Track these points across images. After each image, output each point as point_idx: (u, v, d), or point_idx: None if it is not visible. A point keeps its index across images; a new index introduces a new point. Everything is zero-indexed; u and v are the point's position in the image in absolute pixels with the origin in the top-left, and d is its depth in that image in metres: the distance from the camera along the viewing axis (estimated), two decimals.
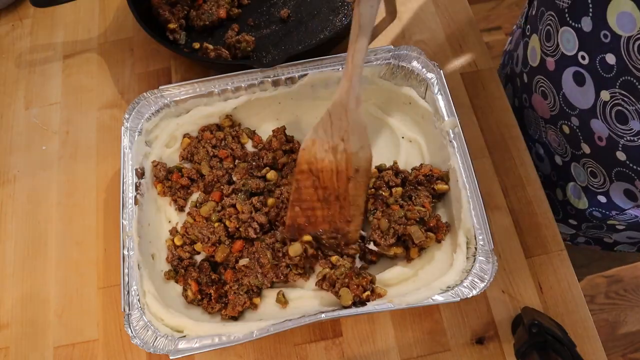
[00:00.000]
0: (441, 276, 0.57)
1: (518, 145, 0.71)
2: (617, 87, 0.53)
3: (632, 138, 0.55)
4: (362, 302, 0.56)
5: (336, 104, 0.59)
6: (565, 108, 0.63)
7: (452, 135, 0.62)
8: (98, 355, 0.63)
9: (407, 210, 0.60)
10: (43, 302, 0.66)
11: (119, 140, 0.64)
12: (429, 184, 0.63)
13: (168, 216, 0.66)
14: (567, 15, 0.56)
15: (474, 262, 0.55)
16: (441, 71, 0.65)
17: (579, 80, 0.58)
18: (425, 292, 0.55)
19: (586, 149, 0.63)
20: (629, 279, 1.58)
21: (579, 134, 0.63)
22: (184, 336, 0.54)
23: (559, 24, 0.58)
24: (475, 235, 0.56)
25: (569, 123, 0.63)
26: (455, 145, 0.61)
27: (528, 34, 0.69)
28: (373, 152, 0.62)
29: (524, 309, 0.58)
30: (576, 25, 0.55)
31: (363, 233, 0.62)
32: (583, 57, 0.55)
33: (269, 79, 0.68)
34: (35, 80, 0.82)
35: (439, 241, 0.60)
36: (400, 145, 0.68)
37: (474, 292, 0.53)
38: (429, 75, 0.66)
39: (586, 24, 0.53)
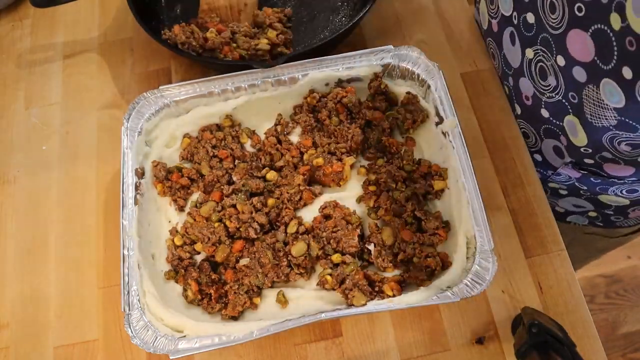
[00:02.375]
0: (441, 276, 0.57)
1: (518, 145, 0.71)
2: (538, 44, 0.57)
3: (550, 95, 0.59)
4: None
5: None
6: (505, 68, 0.68)
7: (452, 135, 0.62)
8: (98, 355, 0.63)
9: (419, 241, 0.60)
10: (43, 302, 0.66)
11: (119, 140, 0.64)
12: (425, 181, 0.63)
13: (168, 216, 0.66)
14: None
15: (474, 262, 0.55)
16: (441, 71, 0.65)
17: (512, 39, 0.63)
18: (425, 292, 0.55)
19: (518, 109, 0.69)
20: (629, 279, 1.58)
21: (513, 94, 0.69)
22: (184, 336, 0.54)
23: None
24: (475, 235, 0.56)
25: (507, 83, 0.69)
26: (455, 145, 0.61)
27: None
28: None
29: (524, 309, 0.58)
30: None
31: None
32: (514, 17, 0.60)
33: (269, 79, 0.68)
34: (35, 80, 0.82)
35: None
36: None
37: (474, 292, 0.53)
38: (429, 75, 0.66)
39: None
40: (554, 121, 0.62)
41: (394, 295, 0.56)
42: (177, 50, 0.76)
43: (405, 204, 0.62)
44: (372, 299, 0.56)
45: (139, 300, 0.56)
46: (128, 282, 0.57)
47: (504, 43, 0.65)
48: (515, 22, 0.60)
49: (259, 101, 0.69)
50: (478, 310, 0.62)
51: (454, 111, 0.62)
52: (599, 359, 0.59)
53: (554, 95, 0.58)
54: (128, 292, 0.56)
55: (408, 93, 0.67)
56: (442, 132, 0.63)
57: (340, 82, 0.69)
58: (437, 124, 0.64)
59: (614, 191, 0.68)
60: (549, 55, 0.55)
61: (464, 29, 0.80)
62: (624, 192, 0.67)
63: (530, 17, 0.56)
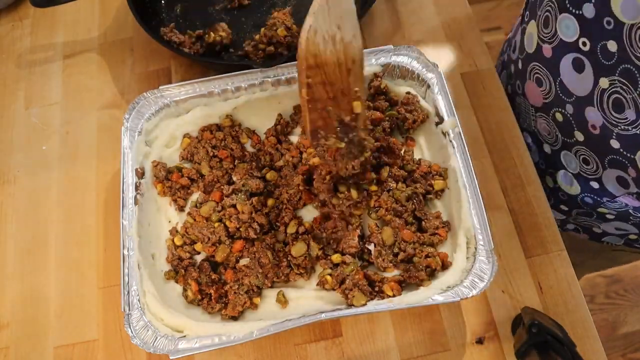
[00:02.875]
0: (441, 276, 0.57)
1: (518, 145, 0.71)
2: (616, 74, 0.52)
3: (626, 127, 0.55)
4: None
5: None
6: (561, 95, 0.63)
7: (452, 135, 0.62)
8: (98, 355, 0.63)
9: (419, 240, 0.60)
10: (43, 302, 0.66)
11: (119, 140, 0.64)
12: (425, 180, 0.63)
13: (168, 216, 0.66)
14: (567, 1, 0.56)
15: (474, 262, 0.55)
16: (441, 71, 0.65)
17: (578, 66, 0.58)
18: (425, 292, 0.55)
19: (579, 136, 0.63)
20: (629, 278, 1.58)
21: (573, 122, 0.63)
22: (184, 336, 0.54)
23: (558, 10, 0.58)
24: (475, 235, 0.56)
25: (563, 111, 0.64)
26: (455, 145, 0.61)
27: (526, 20, 0.69)
28: None
29: (524, 309, 0.58)
30: (577, 12, 0.55)
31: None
32: (584, 44, 0.55)
33: (269, 79, 0.68)
34: (35, 80, 0.82)
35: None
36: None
37: (474, 292, 0.53)
38: (429, 75, 0.66)
39: (588, 10, 0.53)
40: (626, 153, 0.58)
41: (394, 295, 0.56)
42: (177, 50, 0.76)
43: (405, 203, 0.62)
44: (372, 299, 0.56)
45: (139, 300, 0.56)
46: (128, 282, 0.57)
47: (563, 70, 0.60)
48: (586, 49, 0.55)
49: (259, 101, 0.69)
50: (478, 310, 0.62)
51: (454, 111, 0.62)
52: (599, 359, 0.59)
53: (630, 129, 0.55)
54: (128, 292, 0.56)
55: (408, 93, 0.67)
56: (442, 132, 0.63)
57: None
58: (437, 124, 0.64)
59: None
60: (630, 88, 0.52)
61: (464, 29, 0.80)
62: None
63: (612, 46, 0.51)
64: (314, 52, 0.53)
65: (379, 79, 0.68)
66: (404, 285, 0.58)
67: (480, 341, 0.60)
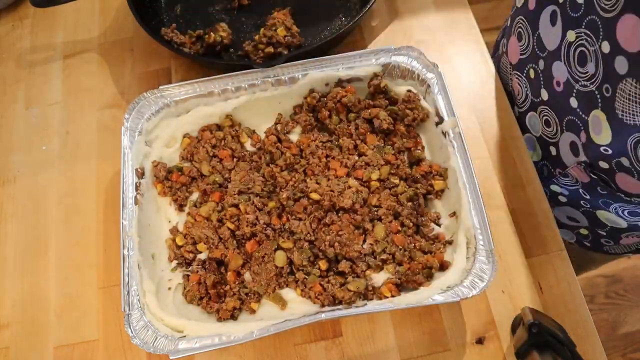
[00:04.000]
0: (441, 276, 0.57)
1: (518, 145, 0.71)
2: (582, 26, 0.53)
3: (585, 83, 0.56)
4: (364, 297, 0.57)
5: None
6: (536, 49, 0.64)
7: (452, 135, 0.62)
8: (98, 355, 0.63)
9: (412, 252, 0.60)
10: (43, 302, 0.66)
11: (119, 140, 0.64)
12: (425, 180, 0.63)
13: (168, 216, 0.66)
14: None
15: (474, 262, 0.55)
16: (441, 71, 0.65)
17: (552, 19, 0.59)
18: (425, 292, 0.55)
19: (544, 95, 0.65)
20: (629, 278, 1.58)
21: (541, 78, 0.65)
22: (184, 336, 0.54)
23: None
24: (475, 235, 0.56)
25: (535, 67, 0.65)
26: (455, 145, 0.61)
27: None
28: None
29: (524, 309, 0.58)
30: None
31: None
32: None
33: (270, 79, 0.68)
34: (35, 80, 0.82)
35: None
36: None
37: (474, 292, 0.53)
38: (429, 75, 0.66)
39: None
40: (580, 113, 0.59)
41: (392, 296, 0.56)
42: (177, 50, 0.76)
43: (406, 204, 0.62)
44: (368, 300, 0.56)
45: (139, 300, 0.56)
46: (128, 282, 0.57)
47: (542, 22, 0.62)
48: (561, 0, 0.56)
49: (259, 101, 0.69)
50: (478, 310, 0.62)
51: (454, 111, 0.62)
52: (599, 359, 0.59)
53: (588, 84, 0.55)
54: (128, 292, 0.56)
55: (409, 91, 0.67)
56: (442, 132, 0.63)
57: (340, 82, 0.69)
58: (437, 123, 0.64)
59: (615, 209, 0.66)
60: (594, 40, 0.52)
61: (464, 29, 0.80)
62: (625, 212, 0.66)
63: None
64: None
65: (379, 78, 0.68)
66: (401, 288, 0.58)
67: (480, 341, 0.60)
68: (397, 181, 0.64)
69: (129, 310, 0.55)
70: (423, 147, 0.67)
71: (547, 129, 0.68)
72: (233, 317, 0.59)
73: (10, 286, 0.68)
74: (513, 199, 0.68)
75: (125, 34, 0.85)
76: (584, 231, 0.78)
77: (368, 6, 0.73)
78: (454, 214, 0.61)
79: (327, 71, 0.68)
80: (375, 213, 0.62)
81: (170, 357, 0.52)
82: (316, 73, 0.67)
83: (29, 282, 0.68)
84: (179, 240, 0.63)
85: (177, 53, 0.76)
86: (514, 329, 0.60)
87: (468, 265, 0.56)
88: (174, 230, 0.64)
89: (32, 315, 0.66)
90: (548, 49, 0.61)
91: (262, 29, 0.76)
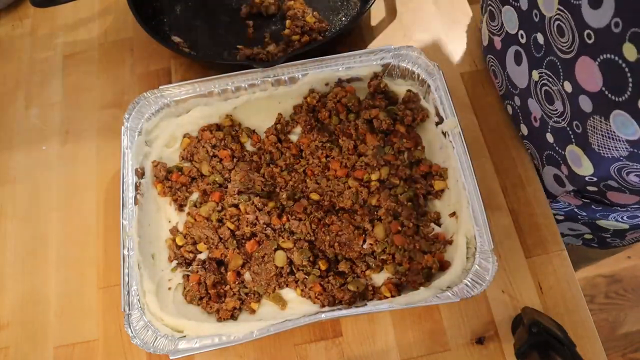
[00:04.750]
0: (441, 276, 0.57)
1: (518, 145, 0.71)
2: (543, 67, 0.53)
3: (557, 119, 0.56)
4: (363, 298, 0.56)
5: None
6: (509, 87, 0.65)
7: (452, 135, 0.62)
8: (98, 355, 0.63)
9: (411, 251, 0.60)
10: (43, 302, 0.66)
11: (119, 140, 0.64)
12: (425, 180, 0.63)
13: (168, 216, 0.66)
14: None
15: (474, 262, 0.55)
16: (441, 71, 0.65)
17: (517, 59, 0.59)
18: (425, 292, 0.55)
19: (524, 129, 0.65)
20: (629, 278, 1.58)
21: (520, 114, 0.65)
22: (184, 336, 0.54)
23: (500, 3, 0.59)
24: (475, 235, 0.56)
25: (512, 103, 0.66)
26: (455, 145, 0.61)
27: (482, 15, 0.70)
28: None
29: (524, 309, 0.58)
30: (515, 3, 0.56)
31: None
32: (522, 36, 0.57)
33: (269, 79, 0.68)
34: (35, 80, 0.82)
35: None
36: None
37: (474, 292, 0.53)
38: (429, 75, 0.66)
39: (523, 2, 0.54)
40: (557, 148, 0.59)
41: (392, 296, 0.56)
42: (177, 50, 0.76)
43: (406, 204, 0.62)
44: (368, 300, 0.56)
45: (139, 300, 0.56)
46: (128, 282, 0.57)
47: (508, 62, 0.62)
48: (523, 41, 0.56)
49: (258, 101, 0.69)
50: (478, 310, 0.62)
51: (454, 111, 0.62)
52: (599, 359, 0.59)
53: (560, 121, 0.55)
54: (128, 292, 0.56)
55: (409, 91, 0.67)
56: (442, 132, 0.63)
57: (340, 82, 0.69)
58: (437, 124, 0.64)
59: (614, 217, 0.66)
60: (555, 80, 0.52)
61: (464, 29, 0.80)
62: (624, 217, 0.66)
63: (540, 38, 0.52)
64: None
65: (379, 78, 0.68)
66: (400, 288, 0.58)
67: (480, 341, 0.60)
68: (397, 181, 0.64)
69: (129, 310, 0.55)
70: (423, 147, 0.67)
71: (534, 161, 0.68)
72: (233, 317, 0.59)
73: (10, 286, 0.68)
74: (513, 199, 0.67)
75: (125, 34, 0.85)
76: (588, 236, 0.77)
77: (368, 6, 0.73)
78: (454, 214, 0.61)
79: (327, 71, 0.68)
80: (375, 213, 0.62)
81: (170, 357, 0.52)
82: (316, 73, 0.67)
83: (29, 282, 0.68)
84: (179, 240, 0.63)
85: (177, 53, 0.76)
86: (514, 329, 0.60)
87: (468, 265, 0.56)
88: (174, 230, 0.64)
89: (32, 315, 0.66)
90: (520, 87, 0.62)
91: (288, 21, 0.76)
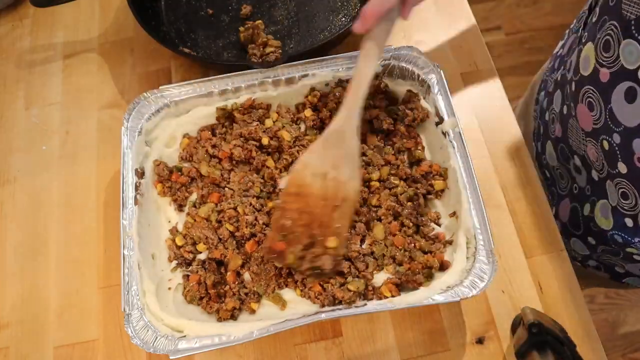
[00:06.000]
0: (441, 276, 0.57)
1: (518, 145, 0.71)
2: None
3: None
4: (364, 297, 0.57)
5: (333, 132, 0.58)
6: (609, 123, 0.59)
7: (452, 135, 0.62)
8: (98, 355, 0.63)
9: (412, 250, 0.60)
10: (43, 302, 0.66)
11: (119, 140, 0.64)
12: (425, 180, 0.63)
13: (168, 216, 0.66)
14: (633, 27, 0.52)
15: (474, 262, 0.55)
16: (441, 71, 0.65)
17: (631, 96, 0.55)
18: (425, 292, 0.55)
19: (623, 168, 0.60)
20: None
21: (618, 152, 0.60)
22: (184, 336, 0.54)
23: (621, 35, 0.55)
24: (475, 235, 0.56)
25: (610, 139, 0.60)
26: (455, 145, 0.61)
27: (584, 41, 0.65)
28: None
29: (524, 309, 0.58)
30: None
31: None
32: None
33: (269, 79, 0.68)
34: (35, 80, 0.82)
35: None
36: None
37: (474, 292, 0.53)
38: (429, 75, 0.66)
39: None
40: None
41: (392, 296, 0.56)
42: (177, 50, 0.76)
43: (406, 204, 0.62)
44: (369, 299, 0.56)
45: (139, 300, 0.56)
46: (128, 282, 0.57)
47: (615, 97, 0.57)
48: None
49: (258, 101, 0.69)
50: (478, 310, 0.62)
51: (454, 111, 0.62)
52: (599, 359, 0.59)
53: None
54: (128, 292, 0.56)
55: (409, 91, 0.67)
56: (442, 132, 0.63)
57: (340, 82, 0.69)
58: (437, 123, 0.64)
59: None
60: None
61: (464, 29, 0.80)
62: None
63: None
64: (299, 182, 0.58)
65: (379, 78, 0.68)
66: (401, 288, 0.58)
67: (480, 341, 0.60)
68: (397, 181, 0.64)
69: (129, 310, 0.55)
70: (423, 147, 0.67)
71: (624, 201, 0.63)
72: (233, 317, 0.59)
73: (10, 286, 0.68)
74: (513, 199, 0.67)
75: (125, 34, 0.85)
76: None
77: None
78: (454, 213, 0.61)
79: (327, 71, 0.68)
80: (375, 213, 0.62)
81: (170, 357, 0.52)
82: (316, 73, 0.67)
83: (29, 282, 0.68)
84: (179, 241, 0.63)
85: (177, 53, 0.76)
86: (514, 329, 0.60)
87: (468, 265, 0.56)
88: (174, 231, 0.64)
89: (32, 315, 0.66)
90: (625, 125, 0.57)
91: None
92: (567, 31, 0.81)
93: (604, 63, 0.59)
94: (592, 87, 0.62)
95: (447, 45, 0.79)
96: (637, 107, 0.54)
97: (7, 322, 0.66)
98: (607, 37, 0.57)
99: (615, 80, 0.57)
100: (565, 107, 0.73)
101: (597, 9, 0.62)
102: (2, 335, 0.65)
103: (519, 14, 1.96)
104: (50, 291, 0.67)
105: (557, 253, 0.64)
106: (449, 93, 0.64)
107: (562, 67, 0.76)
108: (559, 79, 0.77)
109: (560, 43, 0.83)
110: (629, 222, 0.63)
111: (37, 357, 0.63)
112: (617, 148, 0.60)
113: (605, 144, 0.62)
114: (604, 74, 0.59)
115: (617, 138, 0.59)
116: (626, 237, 0.65)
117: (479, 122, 0.73)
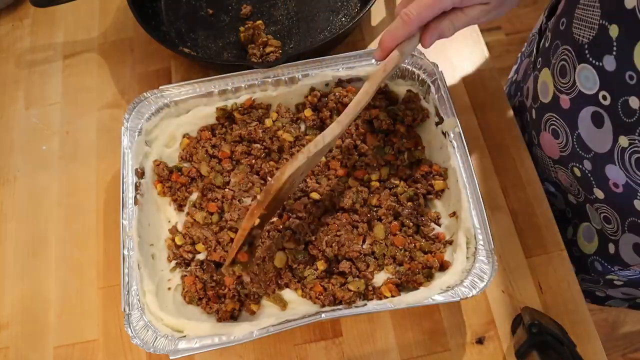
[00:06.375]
0: (441, 276, 0.57)
1: (518, 145, 0.71)
2: (637, 133, 0.48)
3: None
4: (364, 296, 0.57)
5: (321, 151, 0.54)
6: (578, 150, 0.58)
7: (452, 135, 0.62)
8: (98, 355, 0.63)
9: (412, 250, 0.60)
10: (43, 302, 0.66)
11: (119, 140, 0.64)
12: (425, 180, 0.63)
13: (168, 216, 0.66)
14: (586, 51, 0.51)
15: (474, 262, 0.55)
16: (441, 71, 0.65)
17: (597, 121, 0.53)
18: (425, 292, 0.55)
19: (599, 194, 0.58)
20: None
21: (592, 178, 0.58)
22: (184, 336, 0.54)
23: (576, 59, 0.53)
24: (475, 235, 0.56)
25: (581, 166, 0.59)
26: (455, 145, 0.61)
27: (539, 67, 0.64)
28: None
29: (524, 309, 0.58)
30: (597, 63, 0.50)
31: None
32: (604, 97, 0.51)
33: (269, 79, 0.68)
34: (35, 80, 0.82)
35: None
36: None
37: (474, 292, 0.53)
38: (429, 75, 0.66)
39: (609, 62, 0.48)
40: None
41: (392, 296, 0.56)
42: (177, 50, 0.76)
43: (406, 204, 0.62)
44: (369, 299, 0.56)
45: (139, 300, 0.56)
46: (128, 282, 0.57)
47: (582, 123, 0.55)
48: (606, 103, 0.50)
49: (258, 101, 0.69)
50: (478, 310, 0.62)
51: (454, 111, 0.62)
52: (599, 359, 0.59)
53: None
54: (128, 292, 0.56)
55: (409, 91, 0.67)
56: (442, 132, 0.63)
57: (340, 82, 0.69)
58: (437, 123, 0.64)
59: None
60: None
61: (464, 29, 0.80)
62: None
63: (634, 102, 0.47)
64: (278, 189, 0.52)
65: None
66: (401, 288, 0.58)
67: (480, 341, 0.60)
68: (397, 181, 0.64)
69: (129, 310, 0.55)
70: (423, 147, 0.67)
71: (607, 225, 0.61)
72: (233, 317, 0.59)
73: (10, 286, 0.68)
74: (513, 199, 0.67)
75: (125, 34, 0.85)
76: None
77: (368, 6, 0.73)
78: (454, 214, 0.61)
79: (327, 71, 0.68)
80: (375, 213, 0.62)
81: (170, 357, 0.52)
82: (316, 73, 0.68)
83: (29, 282, 0.68)
84: (178, 240, 0.63)
85: (177, 53, 0.76)
86: (514, 329, 0.60)
87: (468, 265, 0.56)
88: (174, 230, 0.64)
89: (32, 315, 0.66)
90: (595, 151, 0.55)
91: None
92: (519, 54, 0.78)
93: (562, 90, 0.57)
94: (554, 114, 0.60)
95: (447, 45, 0.79)
96: (606, 132, 0.52)
97: (7, 322, 0.66)
98: (563, 62, 0.56)
99: (576, 106, 0.55)
100: (526, 135, 0.71)
101: (549, 34, 0.61)
102: (2, 335, 0.65)
103: (519, 14, 1.95)
104: (50, 291, 0.67)
105: (557, 253, 0.64)
106: (449, 93, 0.64)
107: (519, 94, 0.74)
108: (516, 105, 0.75)
109: (514, 68, 0.80)
110: (611, 247, 0.62)
111: (37, 357, 0.63)
112: (589, 175, 0.58)
113: (577, 171, 0.60)
114: (564, 101, 0.57)
115: (588, 165, 0.57)
116: (606, 264, 0.64)
117: (479, 122, 0.72)
